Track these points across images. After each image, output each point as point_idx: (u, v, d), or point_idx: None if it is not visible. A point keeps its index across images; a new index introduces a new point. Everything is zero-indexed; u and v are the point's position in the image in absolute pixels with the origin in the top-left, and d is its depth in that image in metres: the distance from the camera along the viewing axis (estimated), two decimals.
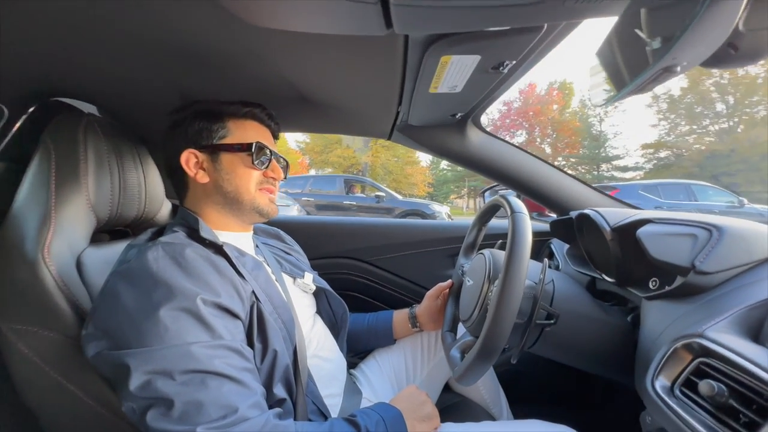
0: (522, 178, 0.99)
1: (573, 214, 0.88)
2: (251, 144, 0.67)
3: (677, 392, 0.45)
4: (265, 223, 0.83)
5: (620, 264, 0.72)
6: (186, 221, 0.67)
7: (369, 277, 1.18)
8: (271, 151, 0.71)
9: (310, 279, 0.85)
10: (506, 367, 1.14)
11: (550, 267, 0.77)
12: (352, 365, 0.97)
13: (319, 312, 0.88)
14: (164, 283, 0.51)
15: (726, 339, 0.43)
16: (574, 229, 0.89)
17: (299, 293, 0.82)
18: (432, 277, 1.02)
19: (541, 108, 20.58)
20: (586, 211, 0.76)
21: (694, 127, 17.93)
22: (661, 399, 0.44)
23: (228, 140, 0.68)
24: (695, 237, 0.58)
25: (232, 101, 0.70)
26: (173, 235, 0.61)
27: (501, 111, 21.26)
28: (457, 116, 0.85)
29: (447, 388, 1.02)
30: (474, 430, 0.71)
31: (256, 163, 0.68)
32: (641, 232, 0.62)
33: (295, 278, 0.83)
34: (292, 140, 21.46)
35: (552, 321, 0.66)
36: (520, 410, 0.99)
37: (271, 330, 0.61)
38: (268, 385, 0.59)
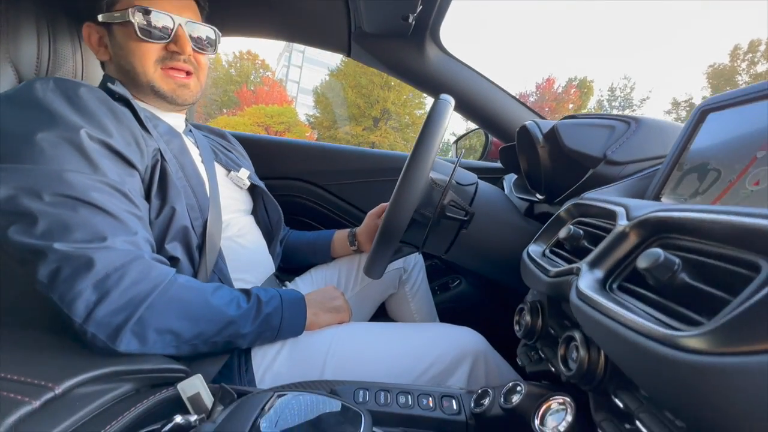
0: (476, 103, 0.96)
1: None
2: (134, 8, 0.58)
3: (547, 252, 0.43)
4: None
5: (549, 177, 0.70)
6: (104, 83, 0.65)
7: (319, 202, 1.16)
8: (172, 18, 0.61)
9: (245, 174, 0.83)
10: (447, 305, 1.14)
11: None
12: (288, 279, 0.97)
13: (255, 214, 0.86)
14: (47, 111, 0.49)
15: (600, 195, 0.41)
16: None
17: (231, 187, 0.80)
18: None
19: (557, 105, 20.16)
20: (526, 122, 0.73)
21: None
22: (531, 259, 0.43)
23: (117, 6, 0.61)
24: (613, 128, 0.55)
25: None
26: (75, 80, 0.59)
27: None
28: (410, 20, 0.81)
29: (384, 313, 1.02)
30: (379, 329, 0.70)
31: (141, 33, 0.59)
32: (560, 123, 0.60)
33: (229, 171, 0.81)
34: (302, 114, 21.30)
35: (465, 217, 0.64)
36: None
37: (172, 189, 0.59)
38: (160, 240, 0.58)
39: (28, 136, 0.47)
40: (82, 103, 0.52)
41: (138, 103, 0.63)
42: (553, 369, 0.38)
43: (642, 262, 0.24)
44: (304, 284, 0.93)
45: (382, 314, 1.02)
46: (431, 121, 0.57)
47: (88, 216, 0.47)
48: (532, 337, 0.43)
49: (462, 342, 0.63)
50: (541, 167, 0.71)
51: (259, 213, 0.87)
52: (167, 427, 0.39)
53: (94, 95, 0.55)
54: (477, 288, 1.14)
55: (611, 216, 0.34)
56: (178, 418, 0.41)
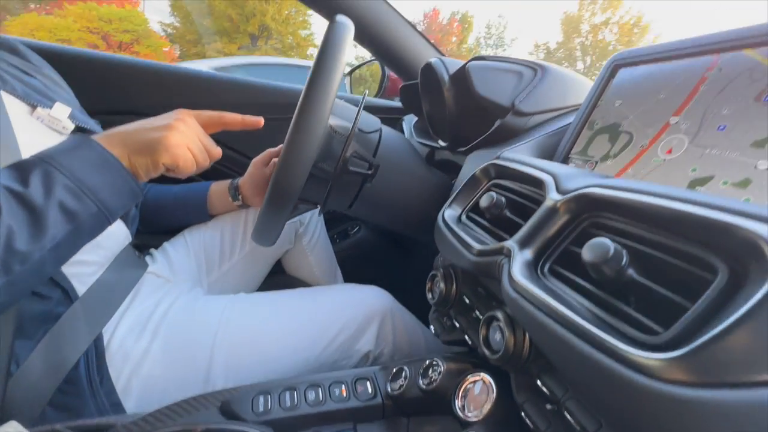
0: (376, 29, 0.84)
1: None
2: None
3: (464, 218, 0.40)
4: None
5: (454, 123, 0.66)
6: None
7: None
8: None
9: (64, 113, 0.57)
10: (348, 253, 1.11)
11: None
12: (154, 245, 0.78)
13: None
14: None
15: (518, 156, 0.38)
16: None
17: (41, 132, 0.55)
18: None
19: (442, 38, 20.54)
20: (431, 59, 0.66)
21: None
22: (447, 227, 0.39)
23: None
24: (521, 75, 0.52)
25: None
26: None
27: None
28: None
29: (281, 270, 0.93)
30: (277, 301, 0.62)
31: None
32: (472, 65, 0.55)
33: (33, 107, 0.54)
34: (155, 22, 16.93)
35: (370, 171, 0.56)
36: None
37: None
38: None
39: None
40: None
41: None
42: (469, 341, 0.37)
43: (588, 254, 0.21)
44: (174, 250, 0.76)
45: (279, 271, 0.93)
46: (327, 50, 0.45)
47: None
48: (446, 304, 0.42)
49: (368, 302, 0.61)
50: (446, 112, 0.66)
51: None
52: None
53: None
54: (377, 233, 1.13)
55: (537, 184, 0.31)
56: None
